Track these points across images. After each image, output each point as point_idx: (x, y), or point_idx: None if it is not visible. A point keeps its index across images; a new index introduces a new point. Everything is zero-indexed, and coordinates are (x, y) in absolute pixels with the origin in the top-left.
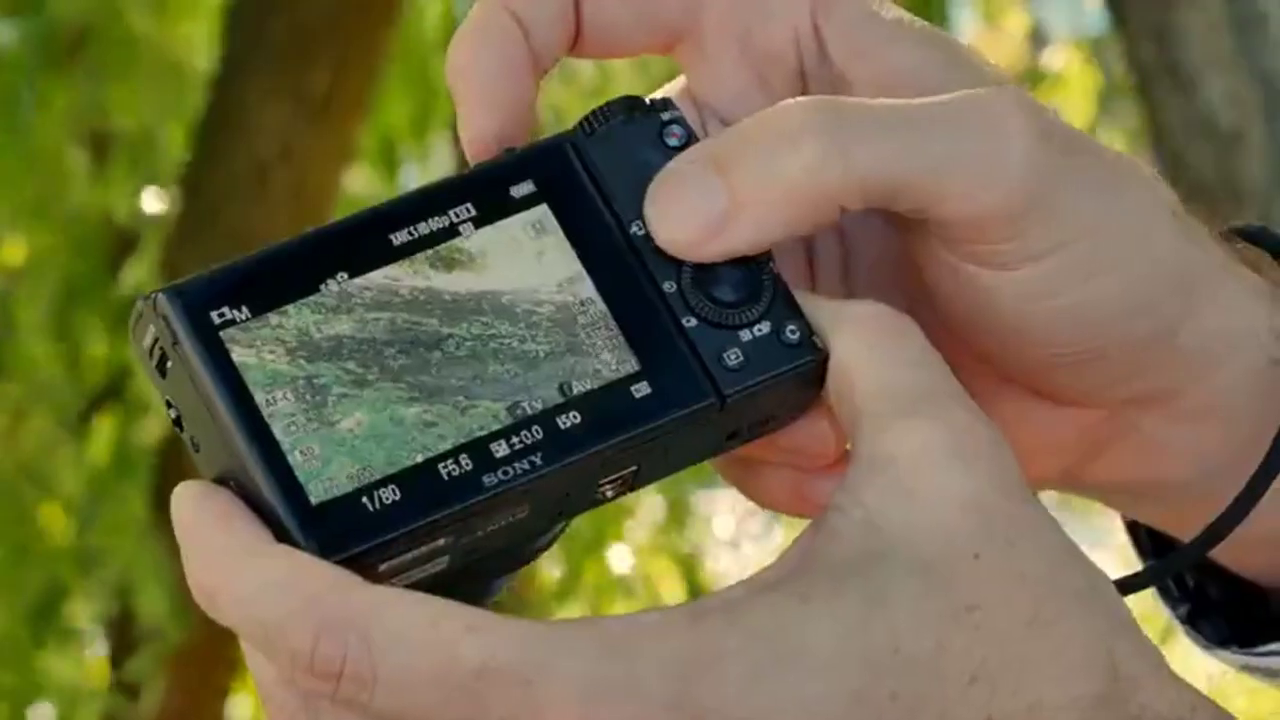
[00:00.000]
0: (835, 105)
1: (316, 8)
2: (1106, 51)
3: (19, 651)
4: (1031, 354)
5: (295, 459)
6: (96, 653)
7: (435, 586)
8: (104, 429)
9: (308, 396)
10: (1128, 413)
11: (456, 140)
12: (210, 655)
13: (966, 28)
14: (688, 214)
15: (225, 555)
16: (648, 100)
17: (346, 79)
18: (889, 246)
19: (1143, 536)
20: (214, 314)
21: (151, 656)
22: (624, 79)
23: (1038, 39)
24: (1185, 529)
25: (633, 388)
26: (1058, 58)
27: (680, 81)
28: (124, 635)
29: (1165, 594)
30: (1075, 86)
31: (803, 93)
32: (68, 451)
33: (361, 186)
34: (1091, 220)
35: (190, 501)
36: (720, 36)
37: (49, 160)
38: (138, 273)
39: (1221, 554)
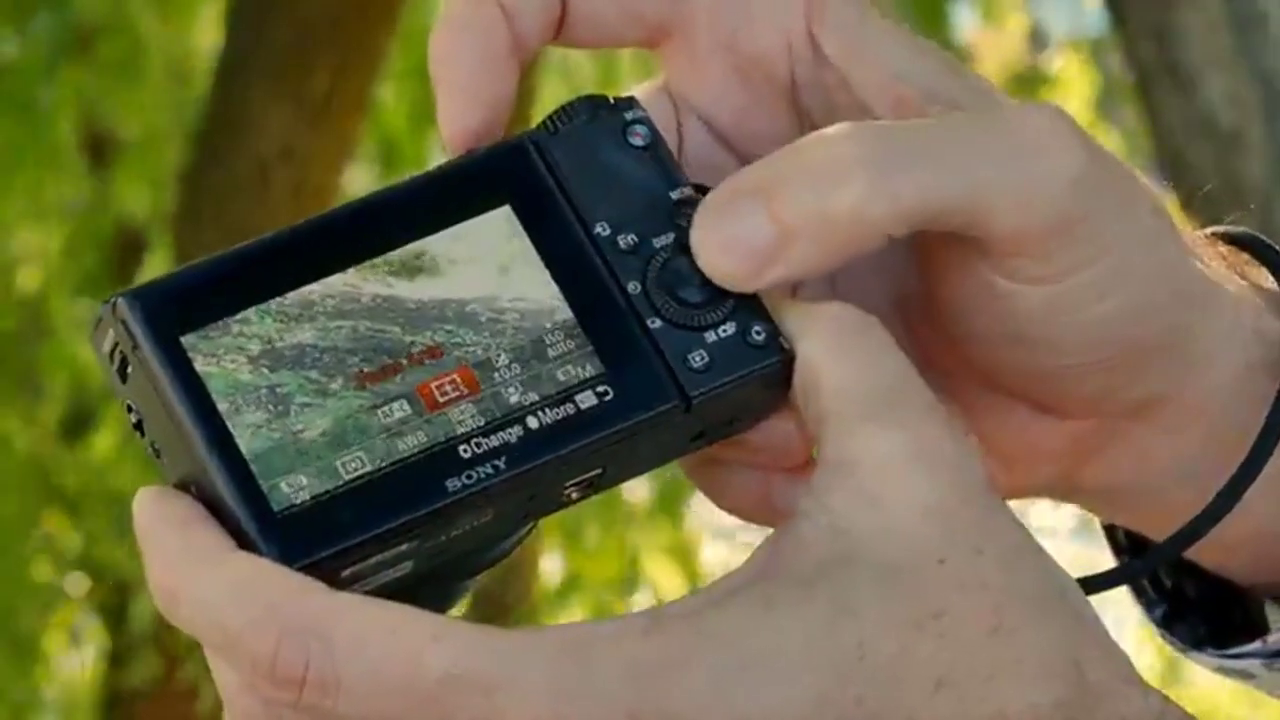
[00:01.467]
0: (879, 135)
1: (317, 8)
2: (1106, 51)
3: (17, 656)
4: (1043, 365)
5: (256, 465)
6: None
7: (400, 591)
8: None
9: (269, 406)
10: (1121, 421)
11: None
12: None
13: (966, 27)
14: (735, 244)
15: (186, 560)
16: (611, 99)
17: (347, 79)
18: (879, 249)
19: (1120, 537)
20: (174, 318)
21: (147, 661)
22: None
23: (1037, 39)
24: (1164, 533)
25: (597, 390)
26: (1057, 58)
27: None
28: (126, 637)
29: (1141, 595)
30: (1074, 87)
31: (791, 96)
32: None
33: (362, 186)
34: (1116, 234)
35: (151, 506)
36: (706, 35)
37: (61, 159)
38: (152, 272)
39: (1200, 552)
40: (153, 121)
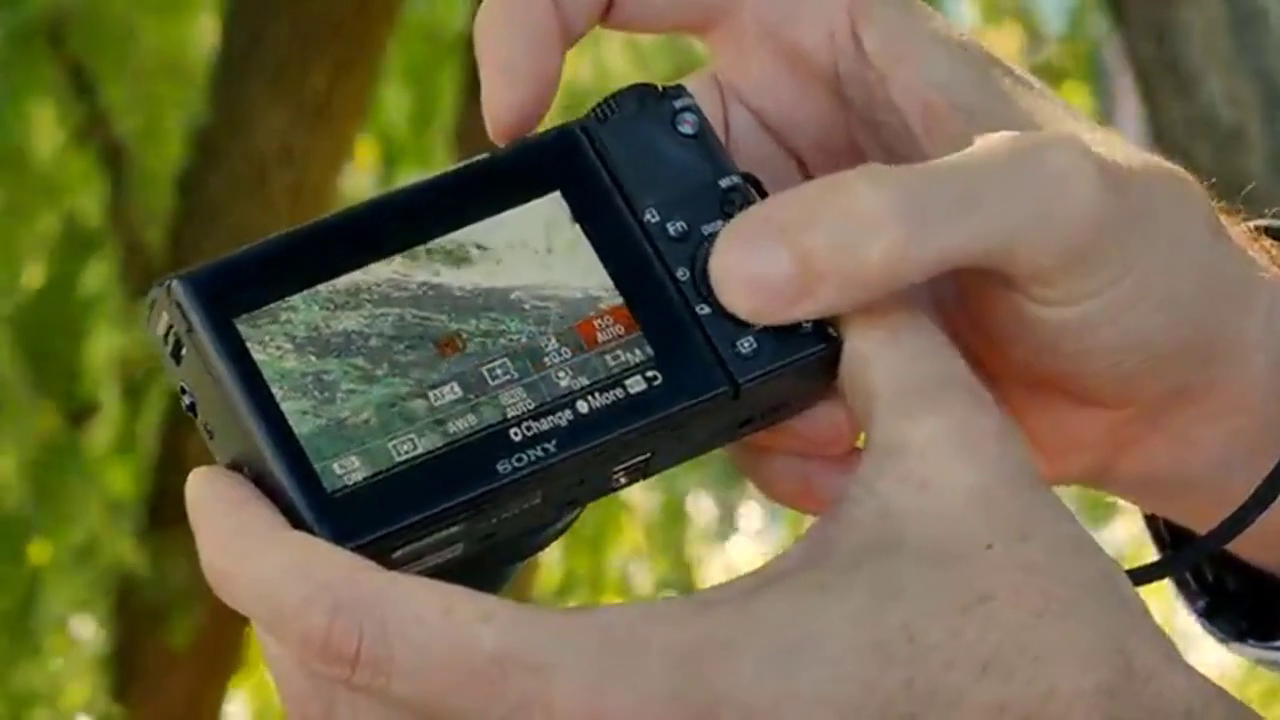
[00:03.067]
0: (907, 186)
1: (317, 8)
2: (1105, 50)
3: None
4: (1073, 370)
5: (308, 447)
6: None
7: (447, 574)
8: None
9: (316, 392)
10: (1157, 411)
11: (460, 137)
12: (211, 650)
13: (962, 25)
14: (756, 284)
15: (239, 539)
16: (660, 87)
17: (346, 79)
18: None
19: (1161, 529)
20: (228, 301)
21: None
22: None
23: (1036, 37)
24: (1203, 523)
25: (646, 375)
26: (1055, 56)
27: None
28: (122, 635)
29: (1183, 588)
30: (1072, 85)
31: (835, 88)
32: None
33: (360, 186)
34: (1139, 251)
35: (204, 486)
36: (753, 24)
37: (25, 157)
38: (101, 272)
39: (1241, 545)
40: (147, 119)
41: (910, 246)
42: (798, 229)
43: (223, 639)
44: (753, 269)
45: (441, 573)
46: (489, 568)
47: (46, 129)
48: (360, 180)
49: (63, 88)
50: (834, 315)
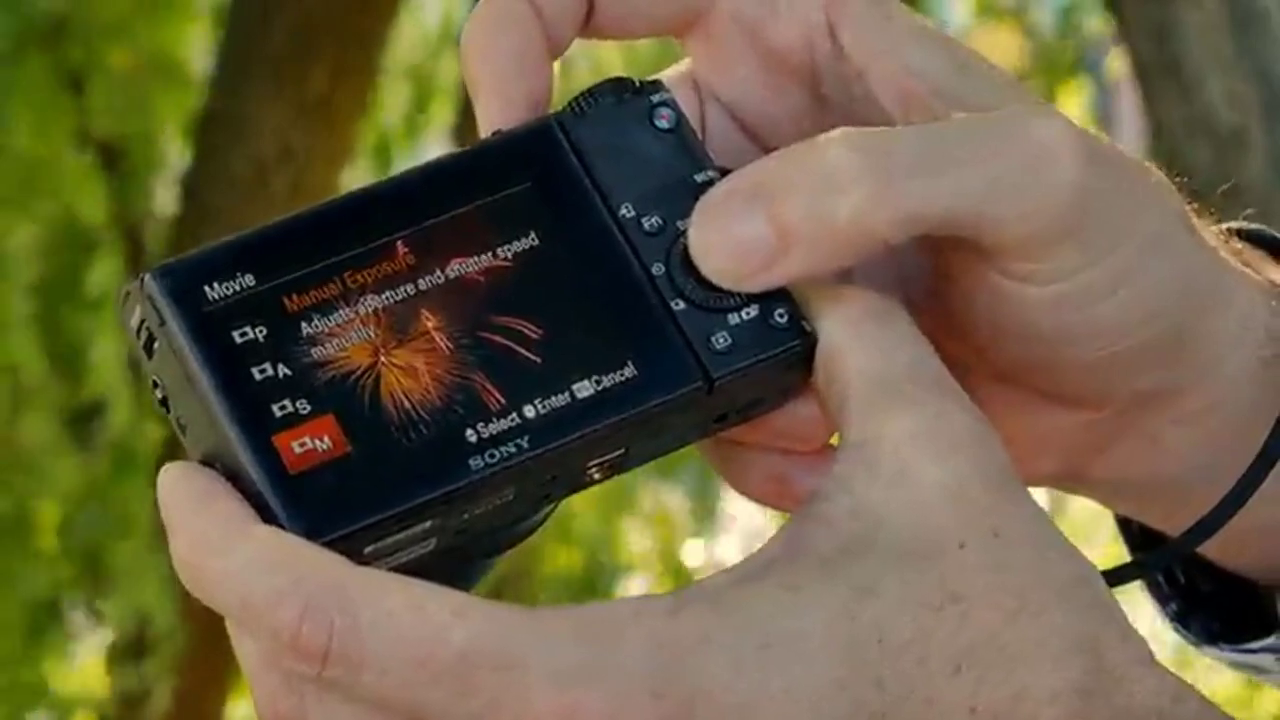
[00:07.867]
0: (879, 146)
1: (317, 8)
2: (1103, 49)
3: (14, 657)
4: (1048, 357)
5: (280, 441)
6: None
7: (421, 569)
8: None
9: (293, 382)
10: (1130, 412)
11: (459, 134)
12: (211, 657)
13: (958, 24)
14: (734, 247)
15: (210, 534)
16: (637, 82)
17: (346, 79)
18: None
19: (1135, 531)
20: (201, 295)
21: (159, 661)
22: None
23: (1031, 36)
24: (1176, 526)
25: (620, 370)
26: (1052, 55)
27: (684, 65)
28: (126, 638)
29: (1155, 590)
30: (1069, 84)
31: (813, 86)
32: (64, 452)
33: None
34: (1120, 235)
35: (175, 481)
36: (730, 25)
37: (23, 154)
38: (106, 270)
39: (1213, 548)
40: (142, 118)
41: (879, 205)
42: (772, 191)
43: (224, 642)
44: (730, 232)
45: (416, 568)
46: (464, 562)
47: (44, 127)
48: (360, 180)
49: (59, 87)
50: (809, 306)
